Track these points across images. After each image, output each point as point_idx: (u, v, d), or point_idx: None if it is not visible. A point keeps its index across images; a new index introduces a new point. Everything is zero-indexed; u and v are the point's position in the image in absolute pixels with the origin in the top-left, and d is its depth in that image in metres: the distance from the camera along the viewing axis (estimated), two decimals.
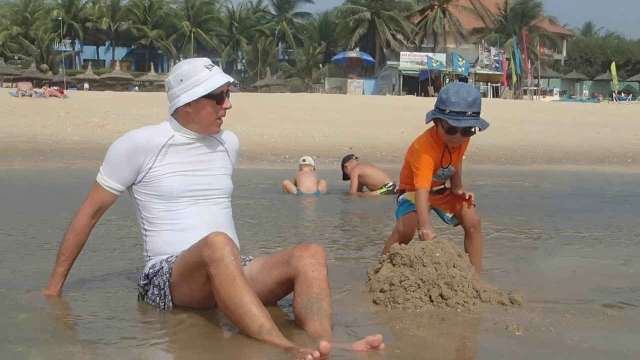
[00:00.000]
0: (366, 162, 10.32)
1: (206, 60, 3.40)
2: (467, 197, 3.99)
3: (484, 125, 3.81)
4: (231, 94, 3.46)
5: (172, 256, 3.28)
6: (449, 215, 4.13)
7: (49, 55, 63.97)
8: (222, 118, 3.44)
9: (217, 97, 3.35)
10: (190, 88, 3.31)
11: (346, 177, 9.78)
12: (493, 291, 3.48)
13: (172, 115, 3.42)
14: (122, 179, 3.37)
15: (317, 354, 2.53)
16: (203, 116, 3.36)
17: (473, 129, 3.85)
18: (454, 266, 3.48)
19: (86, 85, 48.56)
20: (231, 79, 3.42)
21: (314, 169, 9.87)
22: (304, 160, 10.09)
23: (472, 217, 4.05)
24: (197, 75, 3.32)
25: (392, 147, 17.42)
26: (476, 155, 18.15)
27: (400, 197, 4.12)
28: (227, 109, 3.40)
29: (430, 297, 3.36)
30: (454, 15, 62.24)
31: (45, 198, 8.38)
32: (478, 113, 3.77)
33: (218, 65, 3.47)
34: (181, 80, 3.34)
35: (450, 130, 3.81)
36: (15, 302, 3.32)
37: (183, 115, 3.38)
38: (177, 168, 3.36)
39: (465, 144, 4.07)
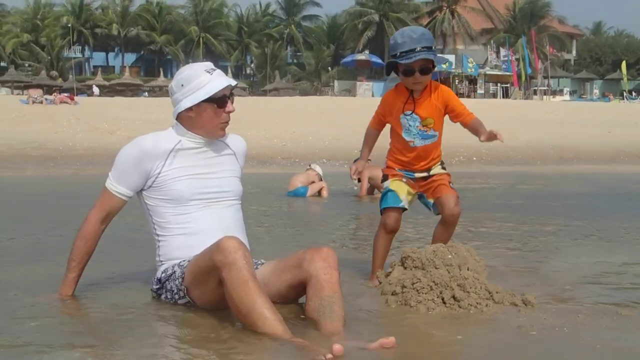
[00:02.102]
0: (377, 164, 10.31)
1: (207, 64, 3.41)
2: (496, 135, 3.74)
3: (438, 60, 3.79)
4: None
5: (184, 260, 3.29)
6: (430, 201, 4.02)
7: (59, 62, 64.27)
8: (227, 122, 3.43)
9: (218, 101, 3.34)
10: (191, 93, 3.32)
11: (359, 180, 9.77)
12: (506, 292, 3.47)
13: (177, 120, 3.43)
14: (131, 184, 3.38)
15: (330, 356, 2.52)
16: (205, 120, 3.37)
17: (431, 66, 3.77)
18: (468, 269, 3.47)
19: (95, 89, 48.31)
20: (233, 82, 3.40)
21: (319, 176, 9.80)
22: (309, 166, 10.17)
23: (453, 208, 3.92)
24: (198, 80, 3.32)
25: None
26: (486, 156, 18.11)
27: (384, 185, 4.05)
28: (230, 112, 3.40)
29: (442, 299, 3.35)
30: (463, 16, 62.17)
31: (56, 203, 8.40)
32: (429, 47, 3.72)
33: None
34: (182, 85, 3.35)
35: (407, 72, 3.75)
36: (27, 308, 3.33)
37: (187, 120, 3.39)
38: (186, 172, 3.37)
39: (445, 95, 3.90)
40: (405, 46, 3.69)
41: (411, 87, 3.84)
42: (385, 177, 4.06)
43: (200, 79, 3.32)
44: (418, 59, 3.69)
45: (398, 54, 3.72)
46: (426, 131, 3.90)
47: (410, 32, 3.75)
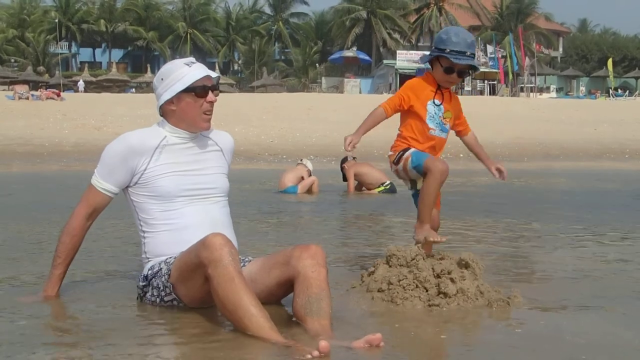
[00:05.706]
0: (364, 161, 10.33)
1: (188, 59, 3.44)
2: (502, 172, 4.15)
3: (477, 66, 3.99)
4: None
5: (170, 257, 3.28)
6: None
7: (45, 58, 63.84)
8: (210, 112, 3.42)
9: (197, 90, 3.34)
10: (170, 85, 3.34)
11: (346, 177, 9.78)
12: (492, 289, 3.48)
13: (162, 115, 3.43)
14: (117, 181, 3.37)
15: (316, 353, 2.53)
16: (186, 111, 3.37)
17: (468, 72, 3.99)
18: (454, 266, 3.48)
19: (81, 84, 47.84)
20: (213, 73, 3.43)
21: (309, 172, 9.75)
22: (300, 160, 10.11)
23: (433, 220, 4.02)
24: (176, 72, 3.35)
25: (389, 145, 17.34)
26: None
27: (408, 152, 4.00)
28: (211, 102, 3.40)
29: (429, 296, 3.36)
30: (450, 13, 62.31)
31: (43, 200, 8.36)
32: (474, 55, 3.92)
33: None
34: (162, 79, 3.38)
35: (448, 70, 3.91)
36: (14, 306, 3.31)
37: (170, 114, 3.40)
38: (172, 168, 3.36)
39: (456, 100, 4.11)
40: (458, 47, 3.85)
41: (442, 83, 3.99)
42: (405, 149, 4.04)
43: (179, 72, 3.34)
44: (467, 63, 3.88)
45: (448, 50, 3.86)
46: (444, 124, 4.05)
47: (465, 35, 3.91)
